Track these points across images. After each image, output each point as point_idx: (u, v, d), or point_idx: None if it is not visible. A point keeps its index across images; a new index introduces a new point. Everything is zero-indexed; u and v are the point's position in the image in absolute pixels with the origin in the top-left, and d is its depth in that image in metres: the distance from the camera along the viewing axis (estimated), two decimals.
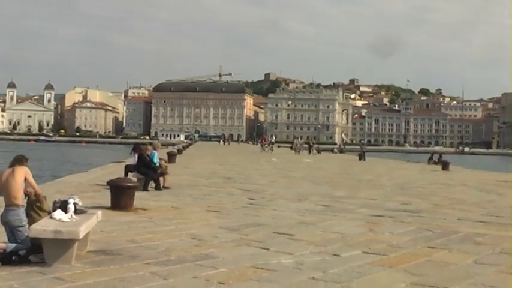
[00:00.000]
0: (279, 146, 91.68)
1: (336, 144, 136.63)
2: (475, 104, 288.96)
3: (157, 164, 17.76)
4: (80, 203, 8.22)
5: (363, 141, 79.83)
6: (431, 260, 8.11)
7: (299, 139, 78.86)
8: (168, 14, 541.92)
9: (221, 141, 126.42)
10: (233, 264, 7.49)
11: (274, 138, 78.66)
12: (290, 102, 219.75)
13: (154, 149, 18.60)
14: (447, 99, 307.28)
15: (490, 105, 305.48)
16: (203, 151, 66.77)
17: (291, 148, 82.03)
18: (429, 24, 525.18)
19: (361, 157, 54.50)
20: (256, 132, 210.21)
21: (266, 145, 72.63)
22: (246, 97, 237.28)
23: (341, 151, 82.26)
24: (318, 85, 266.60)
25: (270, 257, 7.95)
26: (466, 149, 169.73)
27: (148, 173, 16.99)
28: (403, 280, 6.90)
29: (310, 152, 64.39)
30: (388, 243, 9.41)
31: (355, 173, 32.00)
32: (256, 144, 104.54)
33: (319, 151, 68.95)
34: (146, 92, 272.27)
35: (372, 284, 6.70)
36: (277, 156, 54.33)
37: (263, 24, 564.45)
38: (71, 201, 7.95)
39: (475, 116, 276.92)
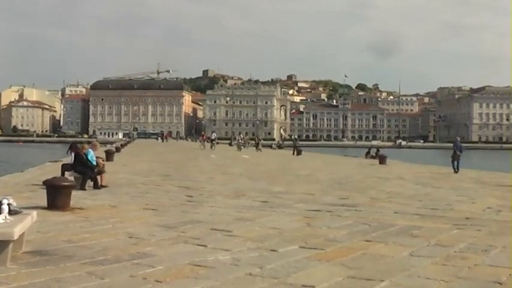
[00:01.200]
0: (217, 143, 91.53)
1: (274, 140, 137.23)
2: (411, 99, 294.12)
3: (94, 163, 17.55)
4: (14, 204, 8.02)
5: (295, 137, 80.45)
6: (367, 253, 8.16)
7: (241, 136, 78.99)
8: (105, 10, 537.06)
9: (159, 138, 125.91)
10: (170, 262, 7.41)
11: (215, 135, 78.24)
12: (228, 99, 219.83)
13: (92, 147, 18.41)
14: (384, 94, 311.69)
15: (426, 99, 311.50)
16: (141, 149, 66.31)
17: (230, 144, 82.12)
18: (368, 20, 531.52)
19: (295, 152, 55.13)
20: (195, 129, 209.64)
21: (206, 142, 72.50)
22: (184, 94, 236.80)
23: (280, 147, 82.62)
24: (256, 81, 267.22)
25: (208, 254, 7.90)
26: (403, 143, 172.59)
27: (85, 171, 16.75)
28: (339, 274, 6.92)
29: (257, 148, 64.36)
30: (325, 237, 9.44)
31: (293, 169, 32.16)
32: (195, 141, 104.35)
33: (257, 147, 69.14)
34: (84, 90, 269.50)
35: (308, 278, 6.70)
36: (216, 153, 54.29)
37: (201, 20, 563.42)
38: (4, 202, 7.76)
39: (411, 110, 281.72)
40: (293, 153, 55.11)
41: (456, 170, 30.65)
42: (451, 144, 35.02)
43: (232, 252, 8.07)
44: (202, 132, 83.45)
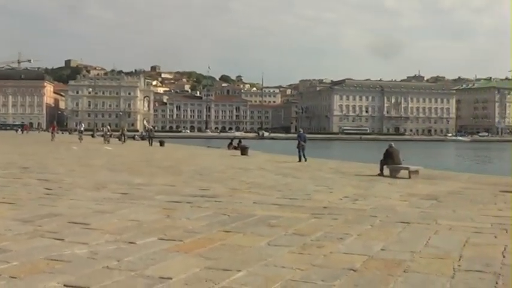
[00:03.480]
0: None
1: (138, 131, 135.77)
2: (274, 91, 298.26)
3: None
4: None
5: (150, 127, 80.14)
6: (226, 244, 8.21)
7: (108, 127, 77.68)
8: None
9: (19, 130, 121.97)
10: (26, 257, 7.18)
11: (83, 126, 76.63)
12: (91, 90, 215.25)
13: None
14: (247, 86, 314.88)
15: (289, 91, 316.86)
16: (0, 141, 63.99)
17: (92, 136, 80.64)
18: (229, 12, 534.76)
19: (151, 142, 55.36)
20: (56, 120, 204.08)
21: (57, 133, 70.93)
22: (45, 84, 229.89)
23: (143, 138, 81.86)
24: (120, 72, 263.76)
25: (64, 248, 7.71)
26: (266, 134, 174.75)
27: None
28: (197, 265, 6.91)
29: (122, 140, 63.38)
30: (184, 228, 9.42)
31: (155, 160, 31.96)
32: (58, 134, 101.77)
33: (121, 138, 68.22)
34: None
35: (166, 270, 6.67)
36: (78, 145, 53.23)
37: (63, 9, 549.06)
38: None
39: (274, 102, 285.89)
40: (149, 144, 55.26)
41: (302, 158, 33.06)
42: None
43: (90, 245, 7.92)
44: (53, 123, 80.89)
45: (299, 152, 33.76)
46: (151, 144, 55.07)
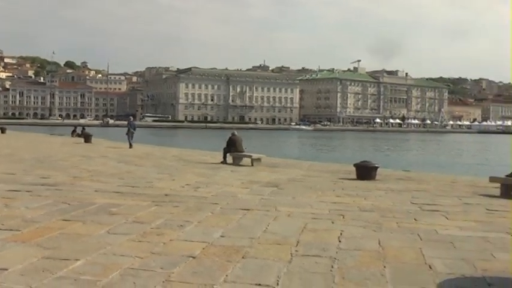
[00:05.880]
0: None
1: None
2: (120, 78, 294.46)
3: None
4: None
5: None
6: (65, 233, 8.05)
7: None
8: None
9: None
10: None
11: None
12: None
13: None
14: (93, 73, 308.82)
15: (134, 78, 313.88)
16: None
17: None
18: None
19: None
20: None
21: None
22: None
23: None
24: None
25: None
26: (111, 121, 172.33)
27: None
28: (35, 255, 6.75)
29: None
30: (22, 218, 9.16)
31: None
32: None
33: None
34: None
35: (2, 261, 6.45)
36: None
37: None
38: None
39: (119, 89, 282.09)
40: None
41: (131, 145, 35.03)
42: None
43: None
44: None
45: (128, 138, 35.51)
46: None
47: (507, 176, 15.11)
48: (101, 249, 7.14)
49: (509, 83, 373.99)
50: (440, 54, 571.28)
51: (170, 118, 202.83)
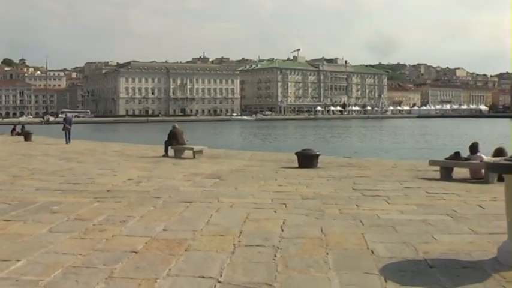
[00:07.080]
0: None
1: None
2: (59, 74, 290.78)
3: None
4: None
5: None
6: (5, 233, 7.93)
7: None
8: None
9: None
10: None
11: None
12: None
13: None
14: (31, 70, 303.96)
15: (74, 74, 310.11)
16: None
17: None
18: None
19: None
20: None
21: None
22: None
23: None
24: None
25: None
26: (51, 118, 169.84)
27: None
28: None
29: None
30: None
31: None
32: None
33: None
34: None
35: None
36: None
37: None
38: None
39: (59, 85, 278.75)
40: None
41: (68, 141, 35.39)
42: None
43: None
44: None
45: (65, 134, 35.77)
46: None
47: (446, 159, 15.48)
48: (42, 248, 7.06)
49: (447, 68, 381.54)
50: None
51: (89, 113, 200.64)
